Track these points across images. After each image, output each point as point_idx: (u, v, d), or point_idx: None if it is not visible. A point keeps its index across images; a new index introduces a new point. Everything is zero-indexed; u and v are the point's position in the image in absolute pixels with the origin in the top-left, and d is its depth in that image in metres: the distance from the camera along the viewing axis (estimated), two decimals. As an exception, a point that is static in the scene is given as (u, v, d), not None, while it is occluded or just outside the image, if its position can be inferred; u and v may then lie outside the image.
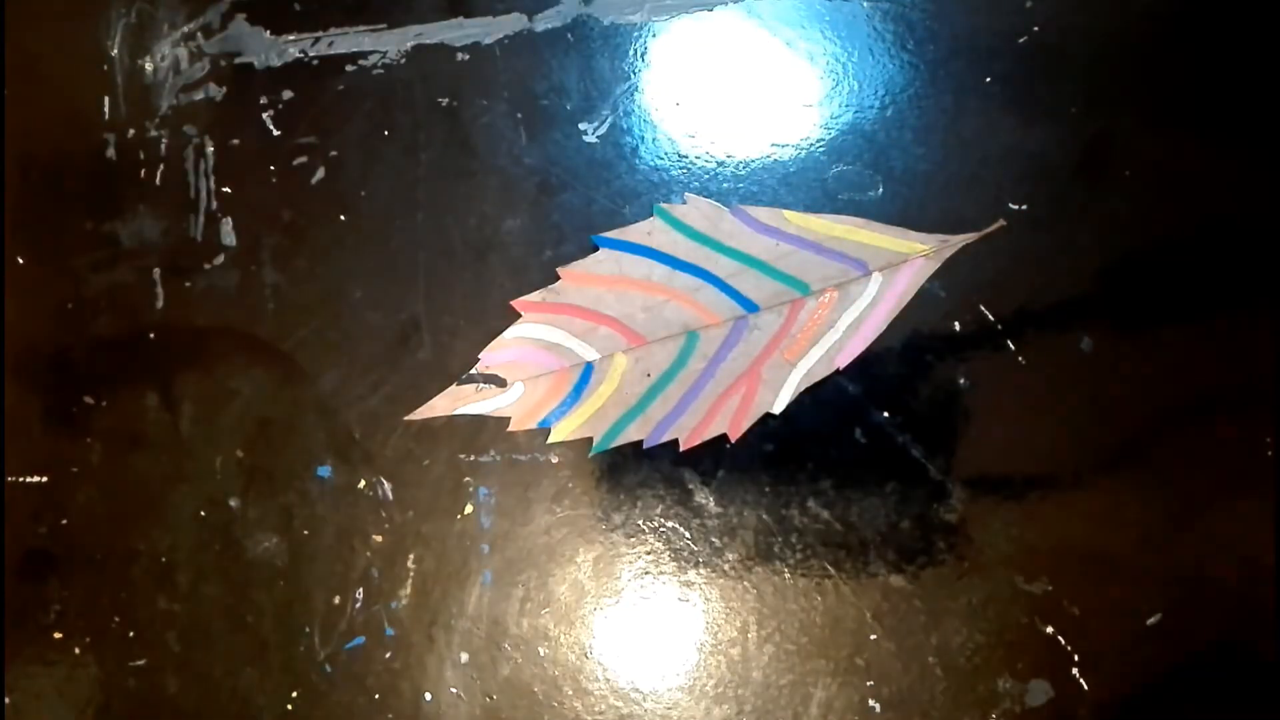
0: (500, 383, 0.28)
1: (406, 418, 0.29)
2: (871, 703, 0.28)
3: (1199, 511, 0.27)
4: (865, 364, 0.28)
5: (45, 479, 0.31)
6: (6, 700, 0.31)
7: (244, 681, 0.30)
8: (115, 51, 0.31)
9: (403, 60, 0.30)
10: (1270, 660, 0.27)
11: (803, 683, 0.29)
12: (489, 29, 0.30)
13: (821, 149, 0.29)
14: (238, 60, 0.31)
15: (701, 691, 0.29)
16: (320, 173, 0.30)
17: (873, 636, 0.28)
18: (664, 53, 0.30)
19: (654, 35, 0.30)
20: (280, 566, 0.30)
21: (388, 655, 0.30)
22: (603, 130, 0.30)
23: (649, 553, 0.29)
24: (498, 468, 0.30)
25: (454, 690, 0.30)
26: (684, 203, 0.28)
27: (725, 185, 0.29)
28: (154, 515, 0.31)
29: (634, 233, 0.29)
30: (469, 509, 0.30)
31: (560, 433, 0.29)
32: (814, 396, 0.28)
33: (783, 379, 0.28)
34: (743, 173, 0.29)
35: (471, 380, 0.29)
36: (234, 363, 0.31)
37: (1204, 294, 0.28)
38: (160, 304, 0.31)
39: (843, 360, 0.28)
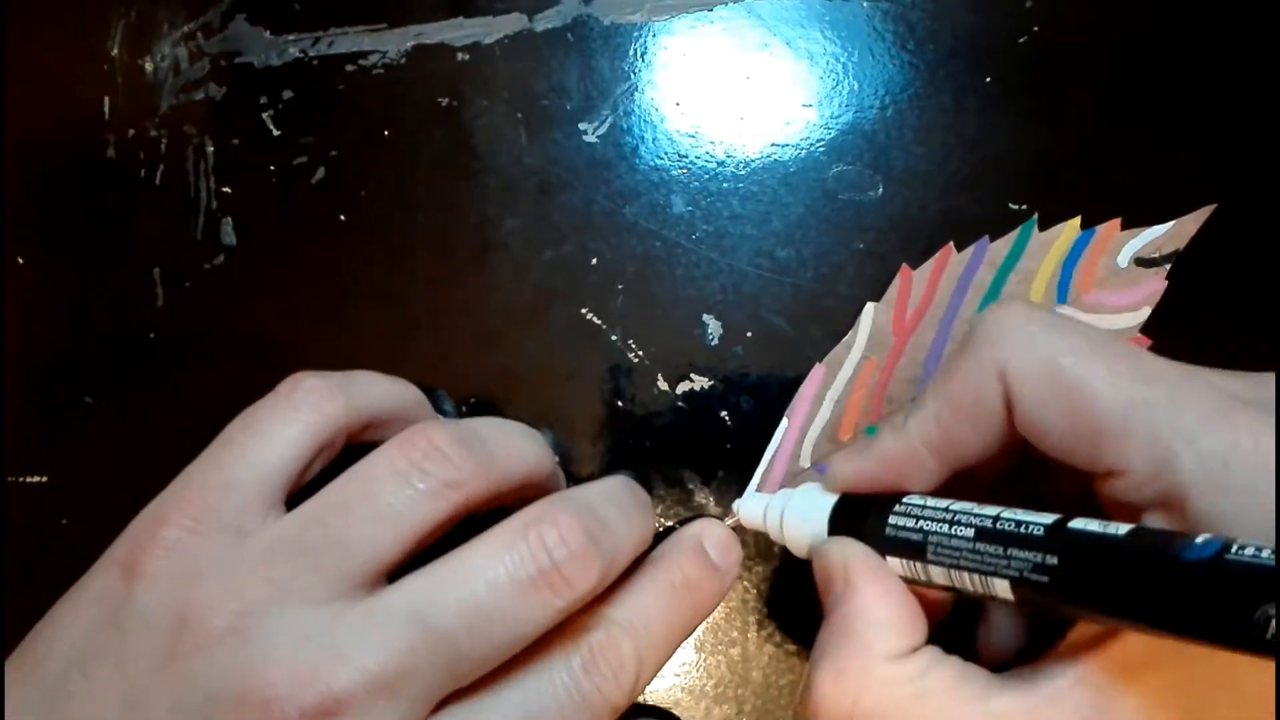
0: None
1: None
2: (871, 703, 0.28)
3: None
4: (865, 364, 0.28)
5: (45, 479, 0.31)
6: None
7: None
8: (115, 51, 0.31)
9: (403, 60, 0.30)
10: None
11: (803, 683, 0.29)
12: (489, 29, 0.30)
13: (821, 149, 0.29)
14: (238, 60, 0.31)
15: (701, 691, 0.29)
16: (320, 173, 0.30)
17: (873, 636, 0.28)
18: (664, 53, 0.30)
19: (654, 35, 0.30)
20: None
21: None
22: (603, 130, 0.30)
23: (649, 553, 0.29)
24: (498, 468, 0.29)
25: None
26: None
27: (725, 185, 0.29)
28: (154, 515, 0.31)
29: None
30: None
31: None
32: (814, 396, 0.28)
33: None
34: (743, 173, 0.29)
35: None
36: (234, 363, 0.31)
37: (1203, 294, 0.28)
38: (160, 304, 0.31)
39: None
